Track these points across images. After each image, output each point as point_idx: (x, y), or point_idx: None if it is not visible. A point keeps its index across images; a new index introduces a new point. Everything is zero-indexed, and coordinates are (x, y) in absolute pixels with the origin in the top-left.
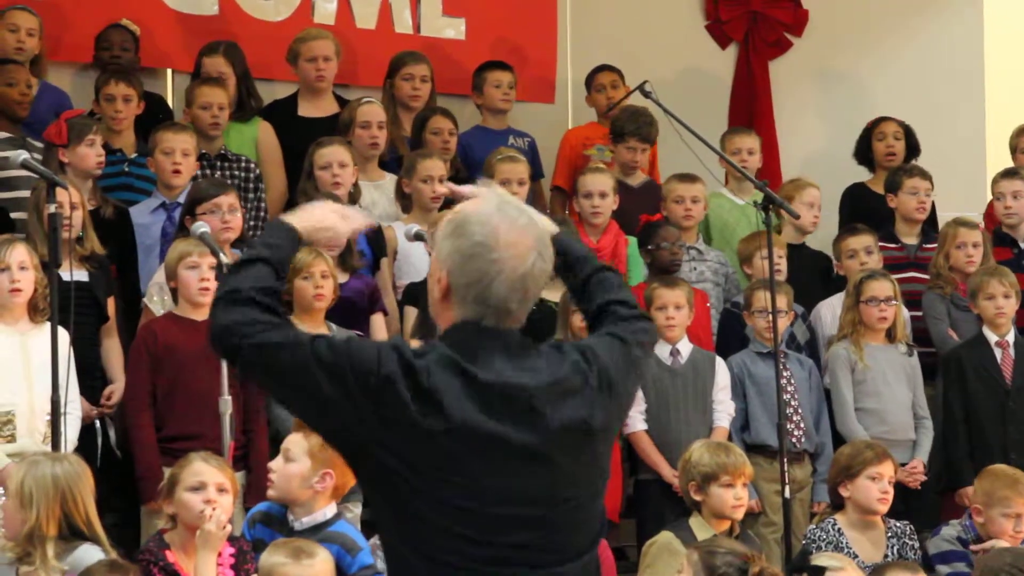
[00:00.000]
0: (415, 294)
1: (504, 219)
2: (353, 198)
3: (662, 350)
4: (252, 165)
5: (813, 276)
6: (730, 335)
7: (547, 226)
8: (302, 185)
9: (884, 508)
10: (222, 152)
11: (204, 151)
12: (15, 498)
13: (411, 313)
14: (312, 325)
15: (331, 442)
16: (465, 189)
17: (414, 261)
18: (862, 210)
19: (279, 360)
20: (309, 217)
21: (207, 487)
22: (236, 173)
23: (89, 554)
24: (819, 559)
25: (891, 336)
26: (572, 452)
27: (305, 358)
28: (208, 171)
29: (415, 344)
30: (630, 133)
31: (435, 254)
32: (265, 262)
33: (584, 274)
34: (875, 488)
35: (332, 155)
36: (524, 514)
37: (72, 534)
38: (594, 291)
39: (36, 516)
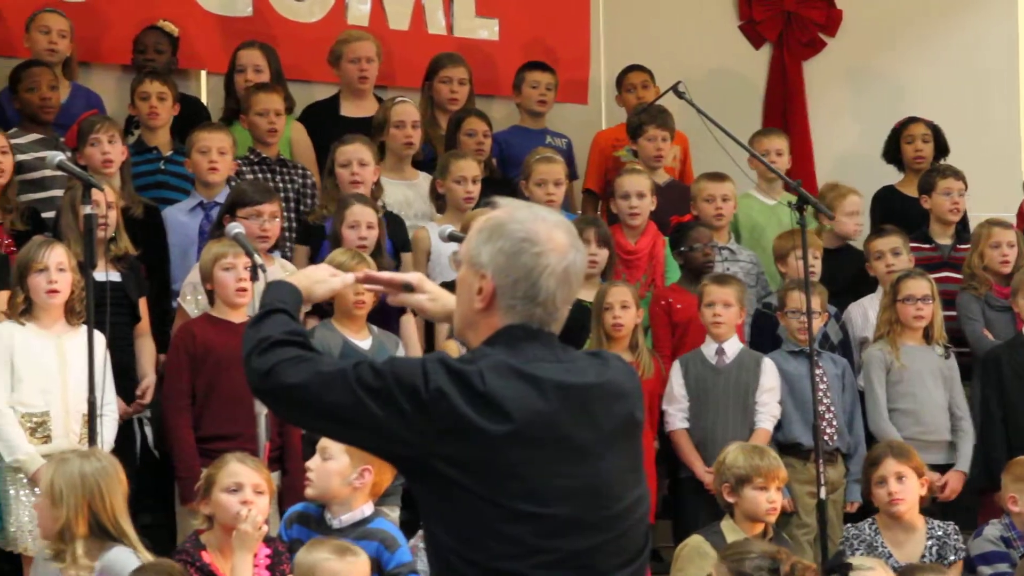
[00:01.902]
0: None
1: (537, 218)
2: (375, 195)
3: (708, 348)
4: (308, 173)
5: (851, 276)
6: (762, 335)
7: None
8: (323, 183)
9: (897, 508)
10: (281, 157)
11: (264, 155)
12: (47, 496)
13: None
14: (354, 329)
15: (389, 461)
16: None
17: (447, 262)
18: (892, 213)
19: (325, 393)
20: (304, 276)
21: (243, 488)
22: (294, 179)
23: (121, 556)
24: (854, 562)
25: (928, 337)
26: (623, 451)
27: (350, 386)
28: (266, 175)
29: (453, 350)
30: (647, 123)
31: (468, 264)
32: (280, 311)
33: None
34: (883, 492)
35: (352, 153)
36: (582, 517)
37: (101, 533)
38: None
39: (66, 514)
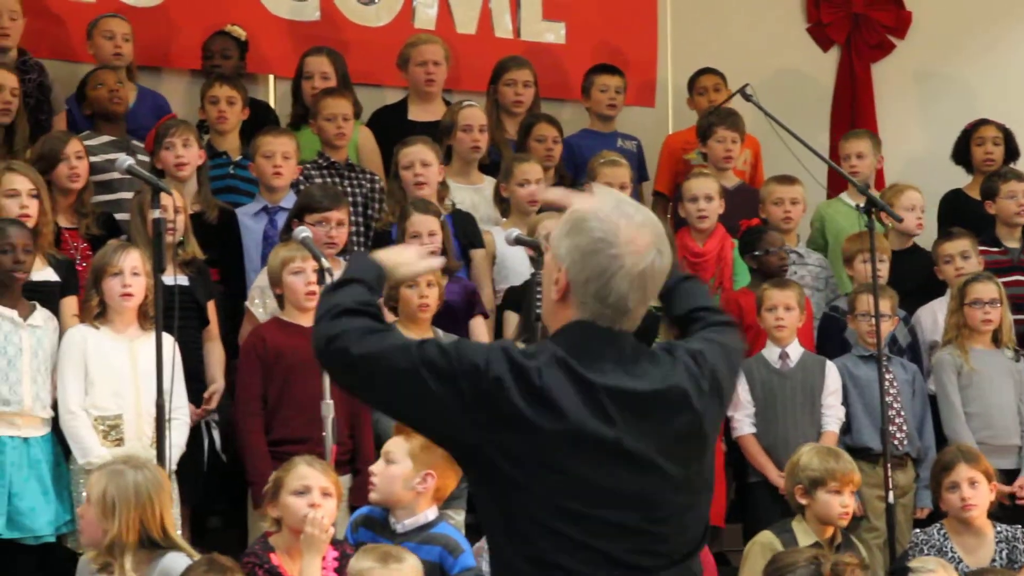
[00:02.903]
0: (515, 299)
1: (622, 216)
2: (441, 196)
3: (771, 353)
4: (376, 178)
5: (920, 279)
6: (830, 339)
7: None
8: (389, 186)
9: (970, 514)
10: (349, 162)
11: (333, 160)
12: (97, 507)
13: (511, 318)
14: (417, 332)
15: (442, 444)
16: (562, 195)
17: (513, 265)
18: (960, 216)
19: (388, 365)
20: (393, 254)
21: (311, 491)
22: (362, 183)
23: (178, 561)
24: (916, 563)
25: (997, 340)
26: (682, 460)
27: (414, 362)
28: (335, 180)
29: (521, 346)
30: (716, 124)
31: (551, 254)
32: (358, 282)
33: (669, 283)
34: (955, 497)
35: (415, 154)
36: (628, 520)
37: (149, 544)
38: (681, 299)
39: (118, 525)
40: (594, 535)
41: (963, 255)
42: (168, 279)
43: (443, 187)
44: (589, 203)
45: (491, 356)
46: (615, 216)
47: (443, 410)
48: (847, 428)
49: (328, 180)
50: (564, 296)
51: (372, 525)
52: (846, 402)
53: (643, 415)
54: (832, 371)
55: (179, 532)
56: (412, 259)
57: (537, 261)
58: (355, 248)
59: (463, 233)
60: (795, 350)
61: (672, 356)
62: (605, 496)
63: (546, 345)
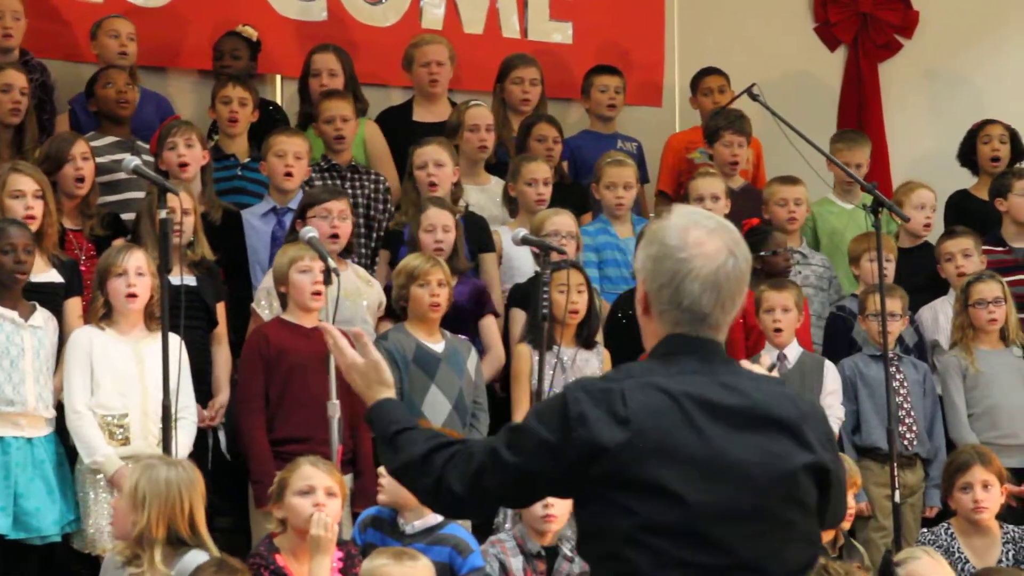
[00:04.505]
0: (521, 296)
1: (692, 223)
2: (455, 197)
3: (769, 355)
4: (381, 178)
5: (926, 279)
6: (838, 339)
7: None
8: (403, 186)
9: (981, 516)
10: (353, 164)
11: (334, 162)
12: (128, 499)
13: (517, 315)
14: (427, 332)
15: (567, 497)
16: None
17: (519, 265)
18: (966, 216)
19: (490, 477)
20: (363, 388)
21: (316, 491)
22: (364, 184)
23: (198, 560)
24: (903, 554)
25: (1005, 338)
26: (773, 490)
27: (504, 461)
28: (336, 182)
29: (525, 354)
30: (724, 128)
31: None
32: (403, 431)
33: None
34: (967, 498)
35: (428, 154)
36: (719, 534)
37: (178, 540)
38: None
39: (147, 519)
40: (692, 551)
41: (964, 253)
42: (175, 279)
43: (457, 188)
44: (663, 218)
45: (569, 399)
46: (685, 222)
47: (547, 477)
48: (856, 428)
49: (329, 183)
50: (647, 308)
51: (380, 526)
52: (856, 401)
53: (731, 427)
54: (831, 371)
55: None
56: (357, 375)
57: (544, 260)
58: (360, 250)
59: (474, 237)
60: (793, 351)
61: (778, 384)
62: (698, 511)
63: (631, 367)
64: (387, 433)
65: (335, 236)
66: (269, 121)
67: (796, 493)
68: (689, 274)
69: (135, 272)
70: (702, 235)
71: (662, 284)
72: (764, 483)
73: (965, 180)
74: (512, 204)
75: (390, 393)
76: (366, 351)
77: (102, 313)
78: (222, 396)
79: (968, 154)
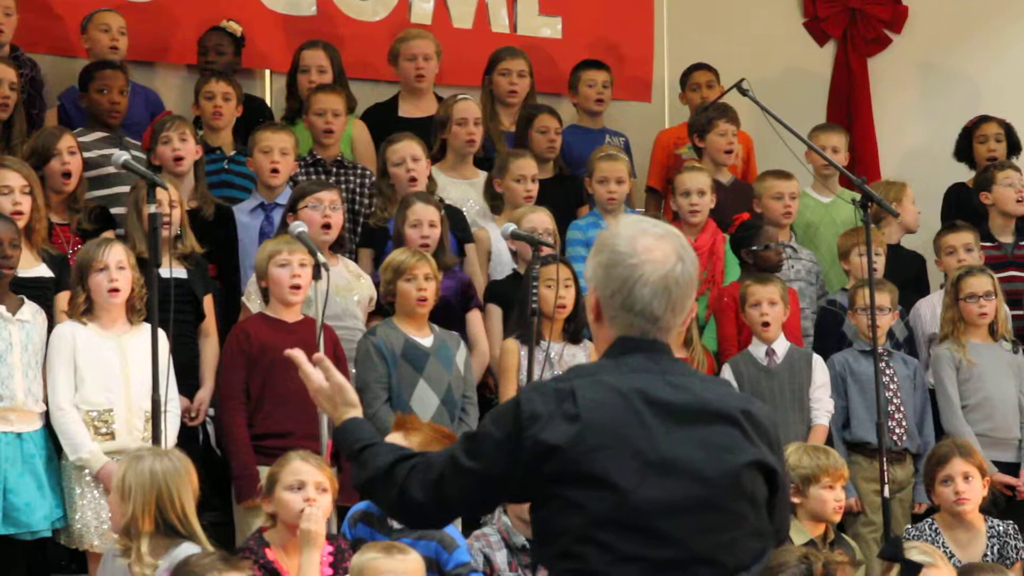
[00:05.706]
0: (498, 291)
1: (641, 231)
2: (430, 190)
3: (757, 350)
4: (368, 172)
5: (908, 277)
6: (828, 333)
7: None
8: (377, 183)
9: (963, 508)
10: (338, 159)
11: (320, 156)
12: (116, 492)
13: (492, 311)
14: (415, 327)
15: (519, 500)
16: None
17: (509, 260)
18: (964, 210)
19: (450, 486)
20: (329, 409)
21: (306, 486)
22: (350, 179)
23: (190, 552)
24: (910, 551)
25: (994, 332)
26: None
27: (463, 468)
28: (320, 177)
29: (512, 350)
30: (716, 117)
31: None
32: (366, 447)
33: None
34: (948, 491)
35: (404, 150)
36: (668, 528)
37: (168, 530)
38: None
39: (132, 510)
40: (639, 545)
41: (966, 248)
42: (164, 271)
43: (431, 182)
44: (611, 227)
45: (522, 399)
46: (633, 231)
47: (502, 478)
48: (846, 423)
49: (315, 178)
50: (598, 315)
51: (370, 520)
52: (845, 397)
53: (678, 423)
54: (819, 365)
55: None
56: (325, 399)
57: (533, 255)
58: (348, 243)
59: (456, 227)
60: (781, 346)
61: (724, 384)
62: (644, 505)
63: (583, 367)
64: (353, 450)
65: (327, 226)
66: (254, 116)
67: (744, 486)
68: (640, 279)
69: (116, 266)
70: (651, 242)
71: (614, 290)
72: (712, 476)
73: (954, 174)
74: (495, 199)
75: (356, 413)
76: (329, 374)
77: (83, 308)
78: (203, 391)
79: (965, 152)
